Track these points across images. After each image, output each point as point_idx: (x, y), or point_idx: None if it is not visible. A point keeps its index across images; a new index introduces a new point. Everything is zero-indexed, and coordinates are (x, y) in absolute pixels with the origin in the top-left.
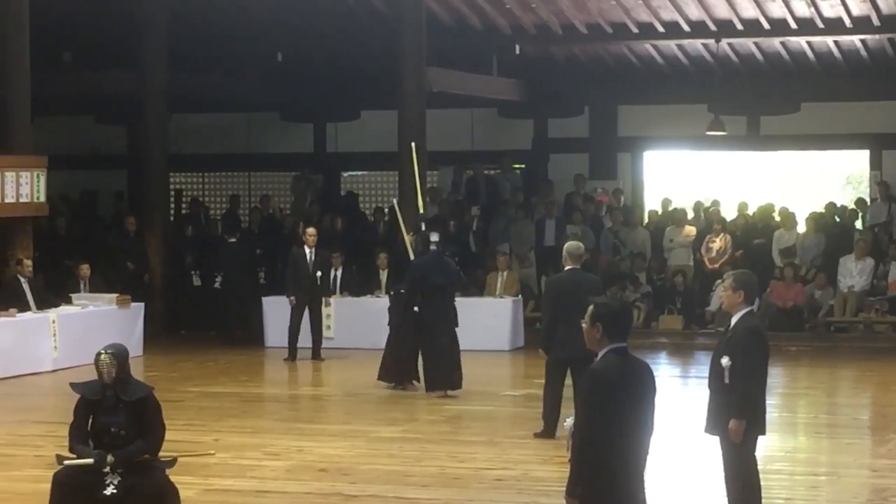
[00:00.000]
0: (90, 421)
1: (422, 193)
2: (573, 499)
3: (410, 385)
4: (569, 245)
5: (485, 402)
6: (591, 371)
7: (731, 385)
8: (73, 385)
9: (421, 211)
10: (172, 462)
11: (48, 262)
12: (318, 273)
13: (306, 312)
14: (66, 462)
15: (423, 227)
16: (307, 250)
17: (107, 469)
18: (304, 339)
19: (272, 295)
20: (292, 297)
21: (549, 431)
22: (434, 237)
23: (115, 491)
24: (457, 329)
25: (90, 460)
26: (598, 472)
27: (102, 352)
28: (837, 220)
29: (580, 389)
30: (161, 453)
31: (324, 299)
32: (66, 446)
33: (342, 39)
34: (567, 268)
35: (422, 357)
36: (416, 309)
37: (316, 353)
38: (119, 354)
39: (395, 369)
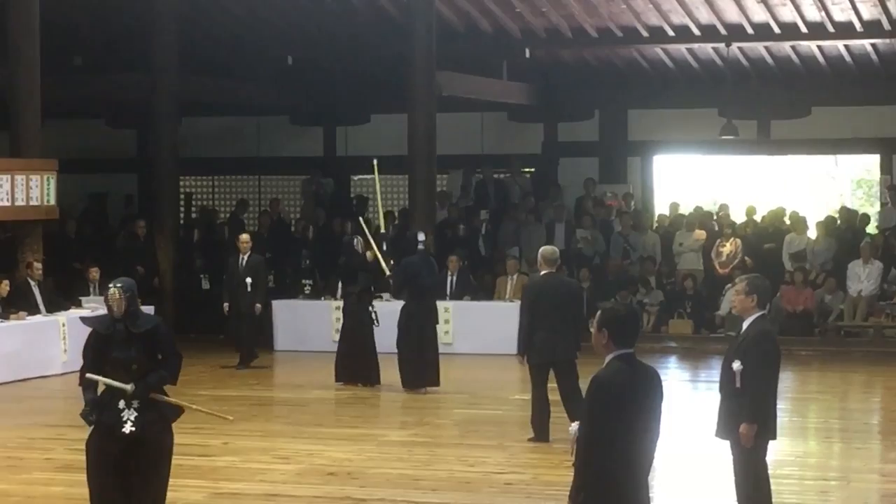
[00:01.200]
0: (104, 358)
1: (384, 215)
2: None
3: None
4: (544, 249)
5: (494, 406)
6: (596, 377)
7: (742, 389)
8: (83, 319)
9: (382, 230)
10: (180, 410)
11: (58, 266)
12: (249, 279)
13: None
14: (88, 376)
15: (385, 247)
16: (240, 257)
17: (122, 406)
18: (309, 343)
19: (281, 298)
20: (226, 304)
21: (540, 436)
22: (421, 237)
23: (133, 428)
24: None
25: (117, 383)
26: (601, 478)
27: (112, 286)
28: (839, 223)
29: (566, 391)
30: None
31: (256, 306)
32: (77, 448)
33: (352, 43)
34: (543, 272)
35: (401, 354)
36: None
37: (243, 360)
38: (128, 288)
39: (352, 368)
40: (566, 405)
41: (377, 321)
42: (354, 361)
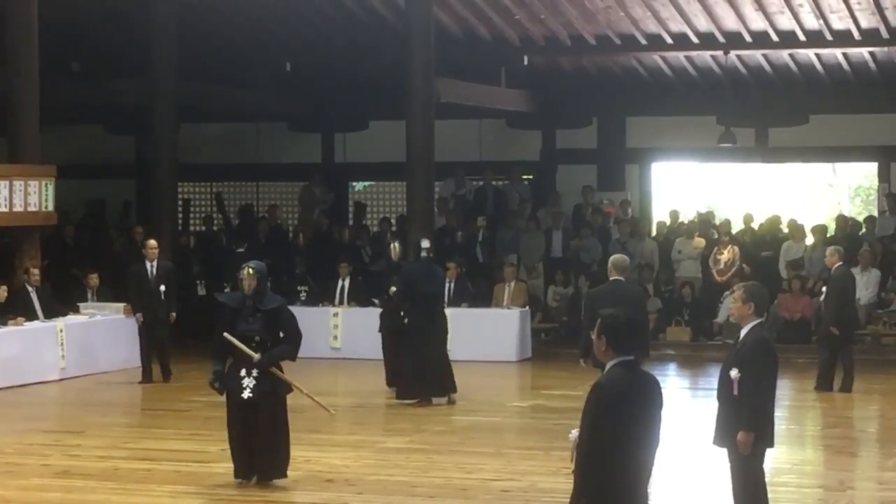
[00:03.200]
0: (232, 331)
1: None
2: None
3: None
4: (614, 257)
5: (492, 414)
6: (597, 384)
7: (739, 397)
8: (217, 294)
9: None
10: (290, 388)
11: (56, 272)
12: (162, 287)
13: None
14: (227, 337)
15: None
16: (148, 264)
17: (243, 374)
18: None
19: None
20: (139, 315)
21: None
22: (425, 244)
23: (251, 395)
24: (448, 337)
25: (248, 350)
26: (602, 485)
27: (245, 266)
28: (833, 232)
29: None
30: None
31: (172, 315)
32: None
33: (351, 50)
34: (611, 279)
35: (402, 362)
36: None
37: (165, 372)
38: (259, 270)
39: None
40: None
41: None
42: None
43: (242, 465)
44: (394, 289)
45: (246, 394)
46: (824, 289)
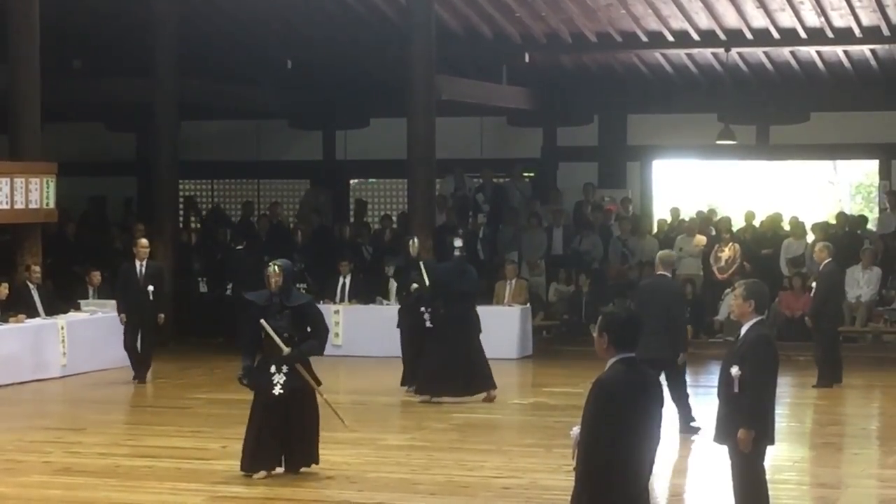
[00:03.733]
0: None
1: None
2: None
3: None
4: (661, 253)
5: (493, 411)
6: (598, 381)
7: (740, 394)
8: (245, 294)
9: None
10: (314, 386)
11: (57, 269)
12: (150, 287)
13: None
14: (263, 324)
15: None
16: (137, 263)
17: (273, 371)
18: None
19: None
20: (122, 315)
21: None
22: (458, 242)
23: (281, 391)
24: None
25: (280, 341)
26: (603, 482)
27: (272, 263)
28: (834, 229)
29: (671, 393)
30: None
31: (160, 316)
32: (79, 451)
33: (352, 47)
34: (657, 273)
35: (425, 356)
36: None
37: (142, 375)
38: (285, 268)
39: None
40: (675, 405)
41: (431, 322)
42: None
43: (254, 458)
44: (415, 286)
45: (277, 390)
46: (814, 284)
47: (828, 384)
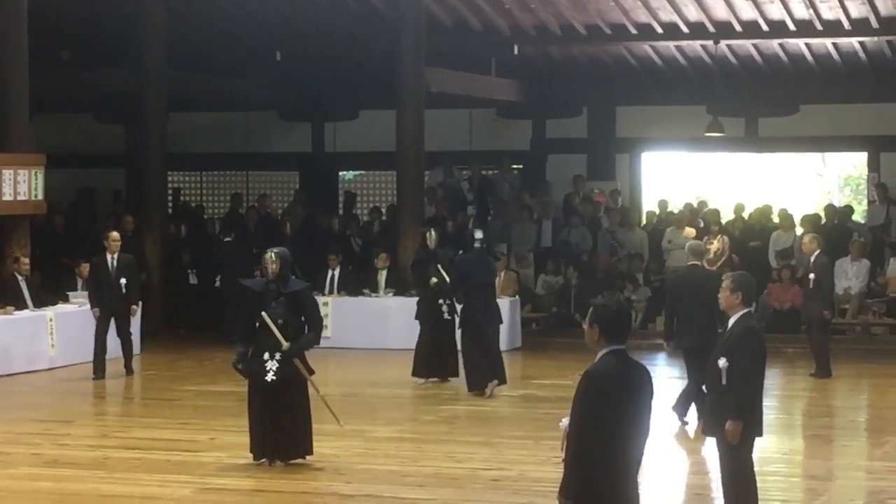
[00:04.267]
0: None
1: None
2: (566, 500)
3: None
4: (690, 244)
5: (482, 403)
6: (588, 373)
7: (728, 386)
8: (242, 280)
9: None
10: (311, 371)
11: (45, 261)
12: (123, 280)
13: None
14: (267, 320)
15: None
16: (109, 257)
17: (266, 358)
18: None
19: None
20: (96, 310)
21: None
22: (478, 234)
23: (274, 378)
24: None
25: (279, 334)
26: (592, 473)
27: (269, 251)
28: (823, 221)
29: (707, 378)
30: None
31: (133, 307)
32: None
33: (341, 39)
34: (689, 264)
35: (462, 354)
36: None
37: (128, 367)
38: (282, 255)
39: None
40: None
41: (449, 314)
42: (434, 356)
43: (260, 446)
44: (434, 280)
45: (269, 376)
46: (812, 276)
47: (827, 374)
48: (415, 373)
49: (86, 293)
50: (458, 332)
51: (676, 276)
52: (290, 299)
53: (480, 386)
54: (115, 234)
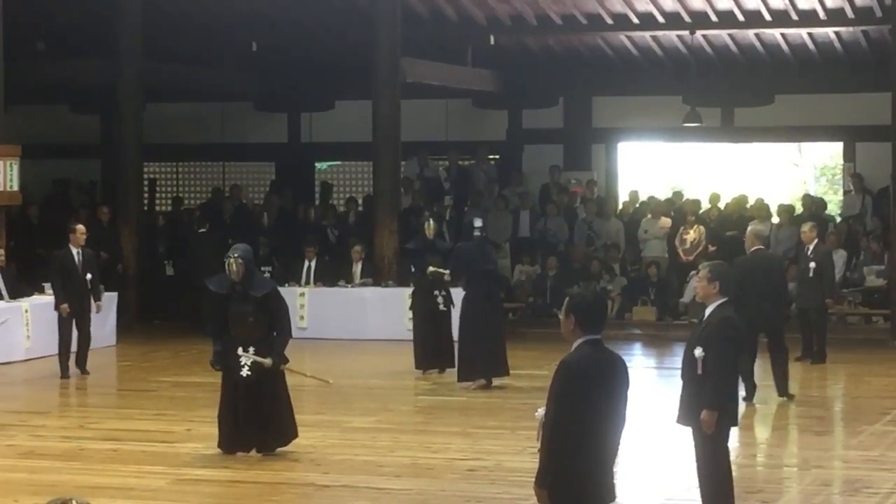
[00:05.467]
0: (226, 312)
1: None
2: (542, 489)
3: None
4: (753, 228)
5: (458, 393)
6: (563, 362)
7: (703, 376)
8: (207, 280)
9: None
10: (286, 360)
11: (21, 252)
12: (88, 276)
13: None
14: (244, 355)
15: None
16: (74, 251)
17: (240, 353)
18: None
19: None
20: (65, 306)
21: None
22: (478, 223)
23: (248, 373)
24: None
25: (259, 359)
26: (567, 463)
27: (231, 255)
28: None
29: (773, 361)
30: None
31: (94, 304)
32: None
33: (317, 29)
34: (753, 248)
35: (458, 343)
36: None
37: (83, 365)
38: (245, 258)
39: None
40: (773, 374)
41: (445, 305)
42: (431, 347)
43: (234, 439)
44: (431, 269)
45: (244, 371)
46: (812, 265)
47: (822, 360)
48: (416, 365)
49: None
50: (459, 321)
51: (743, 260)
52: (257, 299)
53: (469, 378)
54: (81, 227)
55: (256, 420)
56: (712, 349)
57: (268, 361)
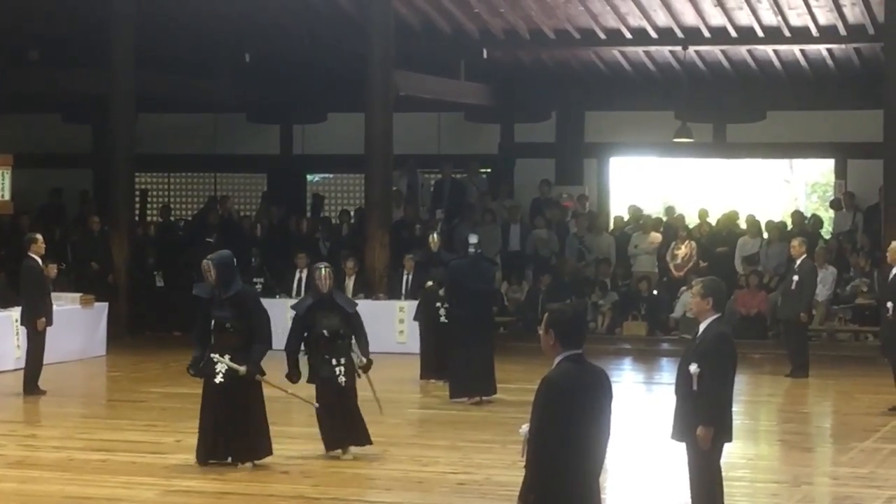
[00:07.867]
0: (210, 317)
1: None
2: None
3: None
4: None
5: (448, 407)
6: (545, 378)
7: (699, 392)
8: (195, 286)
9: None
10: (261, 371)
11: (11, 261)
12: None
13: None
14: (219, 360)
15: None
16: (39, 262)
17: (216, 359)
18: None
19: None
20: (42, 320)
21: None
22: (473, 239)
23: (222, 379)
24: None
25: (235, 365)
26: (552, 478)
27: (207, 260)
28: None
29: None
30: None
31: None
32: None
33: (310, 41)
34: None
35: (449, 361)
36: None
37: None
38: (217, 262)
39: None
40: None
41: (447, 318)
42: (432, 358)
43: (210, 448)
44: (430, 283)
45: (219, 378)
46: (795, 278)
47: (804, 374)
48: (421, 375)
49: (53, 294)
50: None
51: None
52: (233, 302)
53: (459, 395)
54: (40, 237)
55: (227, 430)
56: (708, 365)
57: (242, 369)
